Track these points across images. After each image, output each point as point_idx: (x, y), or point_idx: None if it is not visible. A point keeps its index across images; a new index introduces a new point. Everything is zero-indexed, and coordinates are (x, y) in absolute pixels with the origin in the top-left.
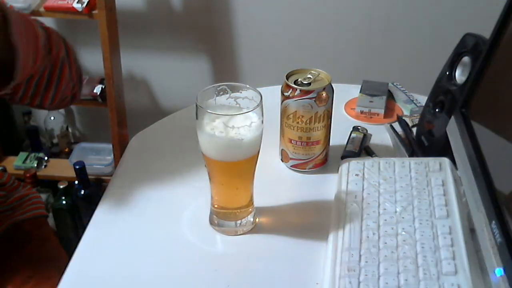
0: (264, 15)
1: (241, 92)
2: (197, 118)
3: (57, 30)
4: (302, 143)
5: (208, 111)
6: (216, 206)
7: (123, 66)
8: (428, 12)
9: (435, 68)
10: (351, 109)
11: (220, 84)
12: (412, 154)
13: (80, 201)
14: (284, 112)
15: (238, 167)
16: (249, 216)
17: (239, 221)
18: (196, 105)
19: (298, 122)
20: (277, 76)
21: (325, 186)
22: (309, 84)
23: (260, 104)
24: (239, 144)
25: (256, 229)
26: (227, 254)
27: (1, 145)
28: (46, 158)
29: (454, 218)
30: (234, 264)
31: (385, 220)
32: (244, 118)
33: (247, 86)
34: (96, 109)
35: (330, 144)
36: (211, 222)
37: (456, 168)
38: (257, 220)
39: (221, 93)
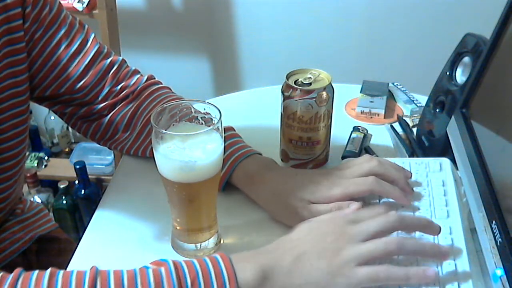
0: (264, 15)
1: (205, 110)
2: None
3: None
4: (303, 143)
5: (161, 130)
6: (175, 227)
7: None
8: (428, 12)
9: (435, 68)
10: (352, 109)
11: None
12: (412, 154)
13: (81, 201)
14: (284, 112)
15: (194, 189)
16: (211, 238)
17: (199, 244)
18: (151, 124)
19: (298, 122)
20: (277, 76)
21: None
22: (310, 84)
23: (219, 125)
24: (192, 166)
25: (219, 251)
26: None
27: None
28: (46, 157)
29: (455, 219)
30: None
31: None
32: (199, 139)
33: (208, 103)
34: None
35: (331, 144)
36: (172, 244)
37: (457, 168)
38: (221, 241)
39: (185, 110)
